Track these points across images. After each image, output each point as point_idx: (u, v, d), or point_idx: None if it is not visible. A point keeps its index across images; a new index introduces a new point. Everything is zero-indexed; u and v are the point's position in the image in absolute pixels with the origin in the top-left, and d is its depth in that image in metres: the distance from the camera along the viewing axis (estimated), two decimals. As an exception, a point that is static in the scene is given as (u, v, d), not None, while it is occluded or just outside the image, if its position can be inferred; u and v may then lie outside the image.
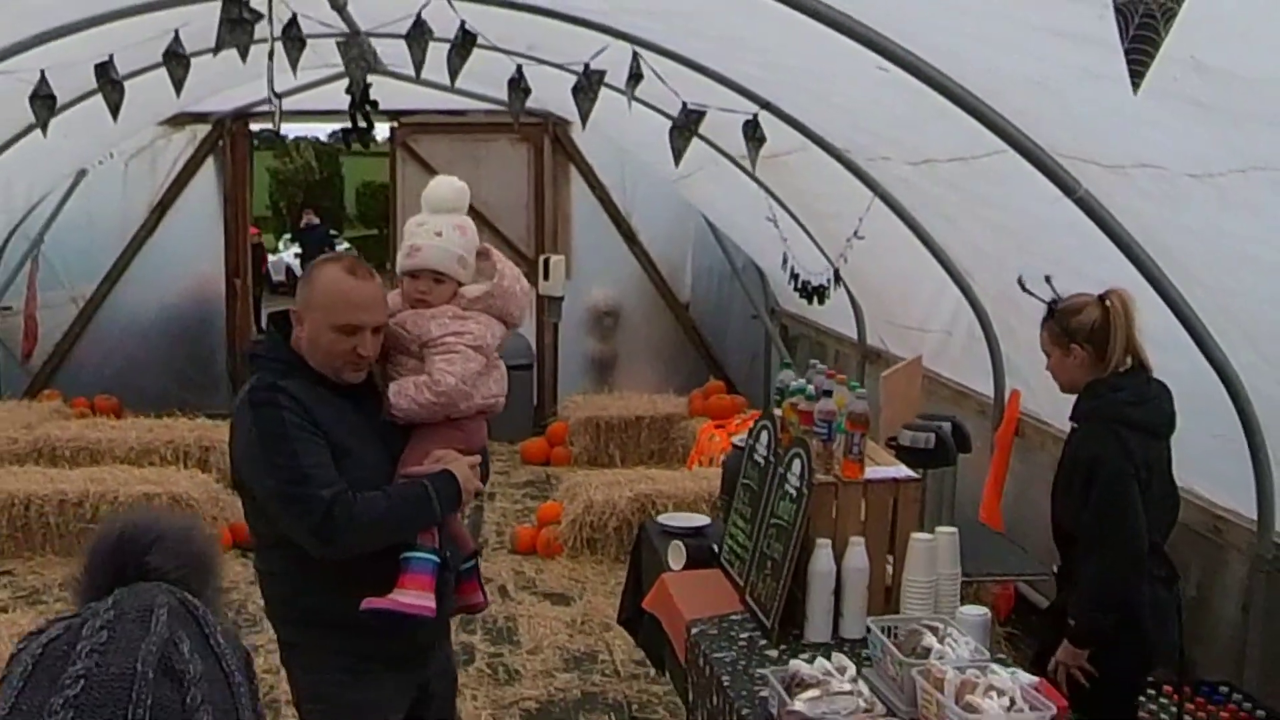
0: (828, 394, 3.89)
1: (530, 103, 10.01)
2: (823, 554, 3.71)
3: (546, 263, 9.76)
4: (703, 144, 7.88)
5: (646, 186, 10.27)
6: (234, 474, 3.04)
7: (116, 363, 10.16)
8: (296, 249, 21.67)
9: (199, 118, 9.80)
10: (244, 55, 5.39)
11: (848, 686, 3.10)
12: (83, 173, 9.67)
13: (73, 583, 1.44)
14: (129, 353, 10.18)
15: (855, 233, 6.49)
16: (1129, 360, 3.71)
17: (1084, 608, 3.66)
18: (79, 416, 9.20)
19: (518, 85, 5.96)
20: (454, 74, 5.78)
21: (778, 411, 4.21)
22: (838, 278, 6.90)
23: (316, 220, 21.18)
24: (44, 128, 5.78)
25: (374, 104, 7.81)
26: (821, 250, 7.74)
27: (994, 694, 2.86)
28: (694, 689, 3.77)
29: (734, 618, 3.91)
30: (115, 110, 5.78)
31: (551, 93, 9.27)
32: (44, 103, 5.74)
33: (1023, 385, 6.10)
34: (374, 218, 35.37)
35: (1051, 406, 5.63)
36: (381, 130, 9.90)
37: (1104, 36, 2.99)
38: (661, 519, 4.92)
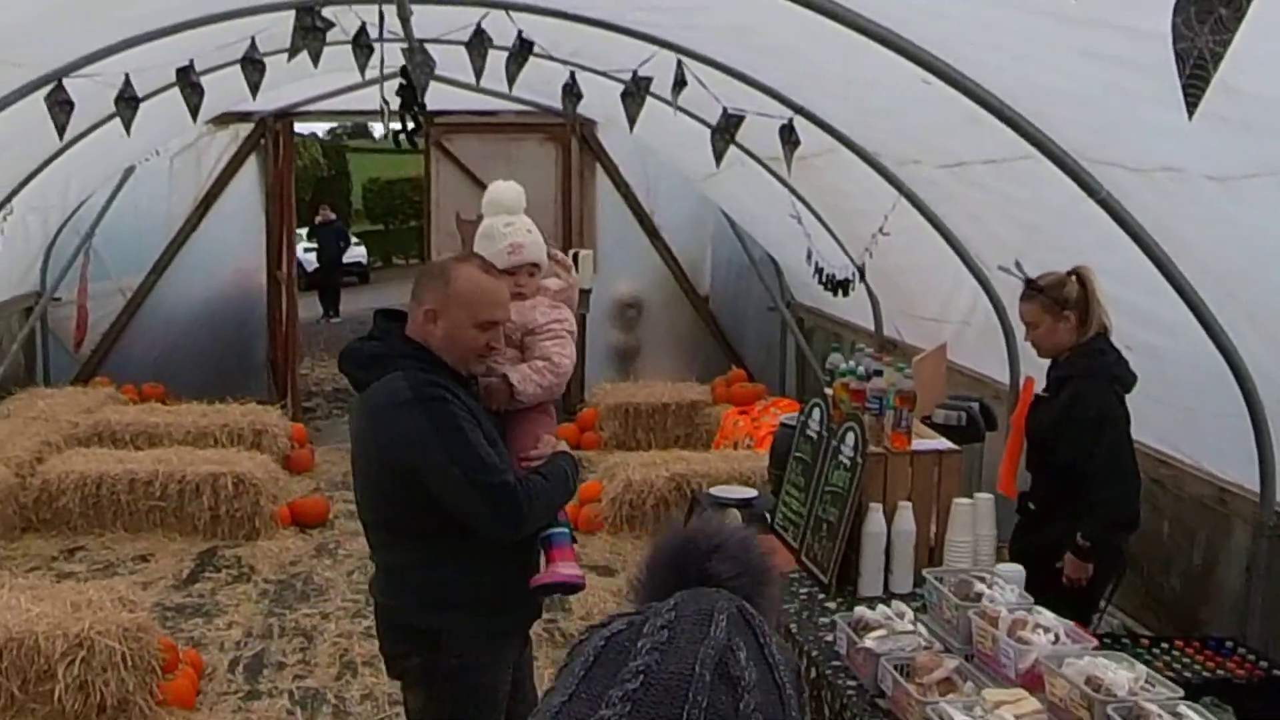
0: (878, 374, 4.28)
1: (557, 103, 10.44)
2: (875, 517, 4.11)
3: (575, 257, 10.05)
4: (731, 146, 8.28)
5: (669, 185, 10.64)
6: (385, 469, 3.04)
7: (160, 352, 10.50)
8: (307, 244, 21.94)
9: (242, 117, 10.14)
10: (315, 60, 5.77)
11: (910, 627, 3.51)
12: (130, 170, 10.02)
13: (634, 581, 1.46)
14: (172, 342, 10.53)
15: (881, 229, 6.89)
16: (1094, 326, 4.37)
17: (1105, 528, 4.26)
18: (129, 403, 9.54)
19: (571, 90, 6.34)
20: (511, 79, 6.16)
21: (829, 391, 4.60)
22: (863, 272, 7.27)
23: (332, 216, 21.53)
24: (128, 127, 6.13)
25: (422, 106, 8.20)
26: (842, 246, 8.13)
27: (1040, 630, 3.25)
28: (759, 637, 4.16)
29: (793, 576, 4.31)
30: (195, 111, 6.16)
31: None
32: (128, 104, 6.11)
33: (1036, 372, 6.50)
34: (380, 213, 35.63)
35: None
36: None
37: (1134, 58, 3.43)
38: (713, 490, 5.30)
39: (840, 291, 7.67)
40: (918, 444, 4.27)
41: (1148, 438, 5.08)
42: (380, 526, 3.18)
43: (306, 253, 26.85)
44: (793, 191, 8.17)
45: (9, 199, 7.94)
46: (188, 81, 5.97)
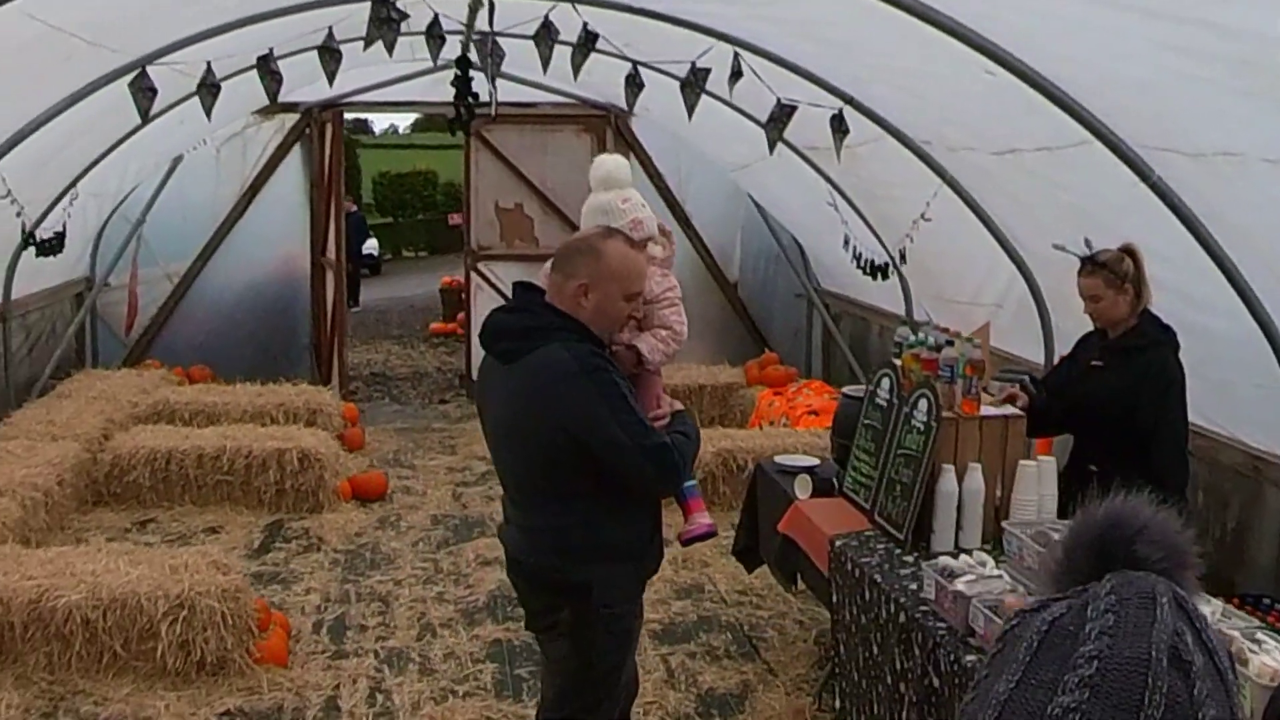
0: (949, 344, 4.52)
1: (594, 95, 10.69)
2: (948, 477, 4.34)
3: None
4: (763, 136, 8.49)
5: (700, 175, 10.86)
6: (550, 437, 3.14)
7: (206, 336, 10.71)
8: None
9: (288, 107, 10.35)
10: (390, 50, 5.97)
11: (997, 572, 3.74)
12: (179, 159, 10.21)
13: (1049, 564, 1.42)
14: (218, 326, 10.75)
15: (923, 215, 7.12)
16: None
17: (1171, 472, 4.52)
18: (182, 384, 9.74)
19: (633, 81, 6.54)
20: (576, 70, 6.36)
21: (897, 361, 4.83)
22: (903, 256, 7.50)
23: (354, 208, 21.72)
24: (208, 113, 6.31)
25: (475, 96, 8.41)
26: (875, 233, 8.35)
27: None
28: (839, 590, 4.39)
29: (867, 534, 4.54)
30: (274, 97, 6.36)
31: (616, 87, 9.81)
32: (209, 90, 6.29)
33: (1067, 347, 6.74)
34: (389, 207, 35.83)
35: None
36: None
37: (1202, 48, 3.66)
38: (778, 459, 5.54)
39: (880, 276, 7.91)
40: (985, 410, 4.50)
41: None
42: (533, 491, 3.32)
43: (369, 239, 27.14)
44: (829, 180, 8.40)
45: (75, 183, 8.14)
46: (267, 69, 6.17)
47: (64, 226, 8.22)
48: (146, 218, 10.34)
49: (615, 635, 3.37)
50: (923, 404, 4.46)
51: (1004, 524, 4.00)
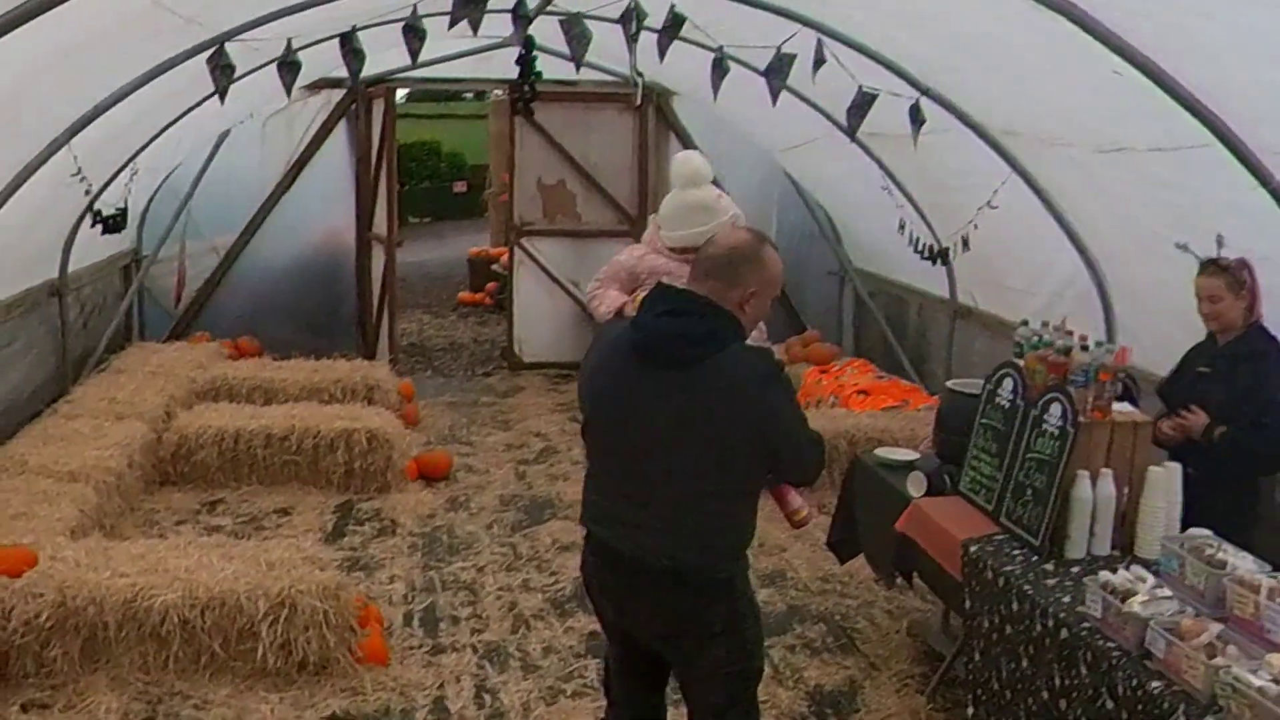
0: (1085, 349, 4.17)
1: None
2: (1083, 483, 4.02)
3: (656, 222, 9.97)
4: (817, 119, 8.11)
5: (738, 155, 10.45)
6: (741, 439, 3.03)
7: (252, 308, 10.28)
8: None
9: (335, 83, 9.88)
10: (475, 29, 5.57)
11: (1169, 593, 3.41)
12: (225, 133, 9.75)
13: None
14: (264, 299, 10.31)
15: (989, 203, 6.75)
16: None
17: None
18: (232, 358, 9.33)
19: (720, 65, 6.13)
20: (663, 52, 5.96)
21: (1019, 361, 4.47)
22: (965, 243, 7.15)
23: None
24: (288, 90, 5.88)
25: (539, 74, 8.00)
26: (925, 220, 7.98)
27: (1299, 596, 3.17)
28: (975, 597, 4.06)
29: (998, 537, 4.22)
30: (356, 75, 5.92)
31: (659, 67, 9.40)
32: (290, 68, 5.86)
33: (1131, 341, 6.43)
34: (406, 174, 35.57)
35: (1161, 359, 5.95)
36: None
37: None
38: (879, 453, 5.20)
39: (940, 260, 7.56)
40: (1117, 414, 4.17)
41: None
42: (700, 493, 3.08)
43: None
44: (882, 166, 8.03)
45: (135, 156, 7.69)
46: (350, 47, 5.75)
47: (126, 202, 7.76)
48: (194, 192, 9.87)
49: (756, 618, 3.32)
50: (1056, 408, 4.12)
51: (1163, 540, 3.69)
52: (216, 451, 7.06)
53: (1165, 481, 4.07)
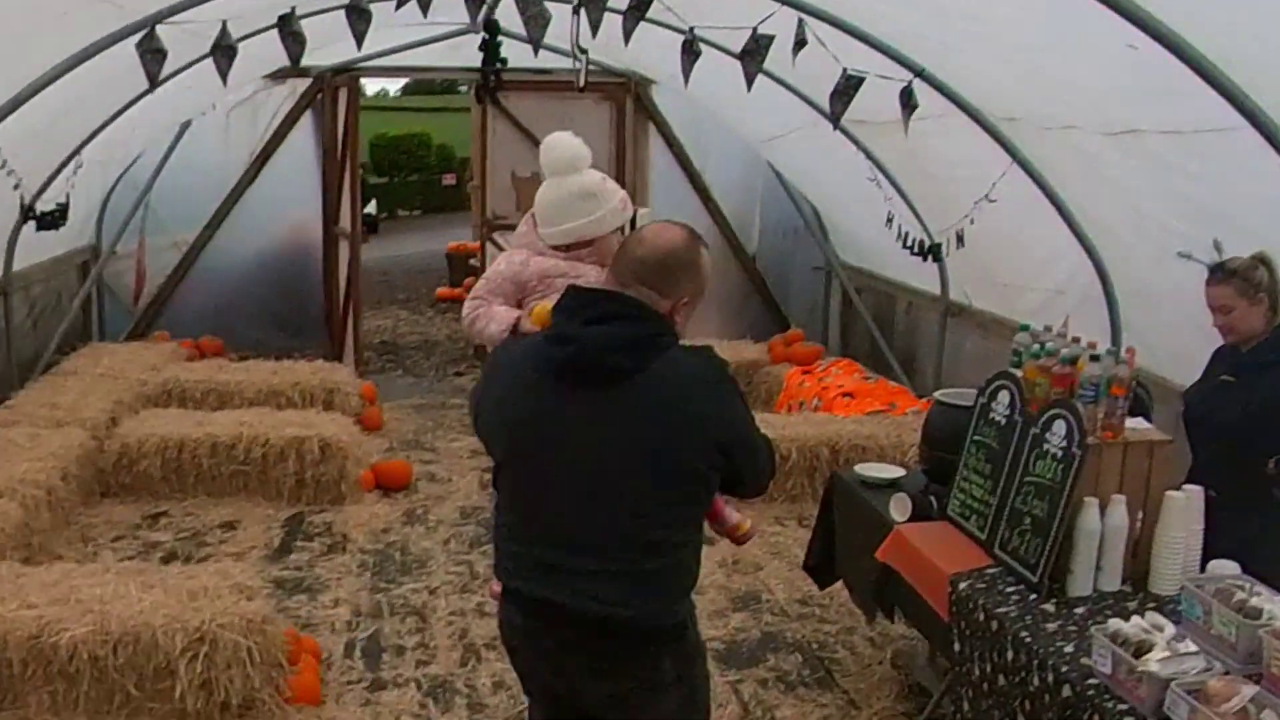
0: (1095, 359, 3.66)
1: (614, 63, 9.72)
2: (1090, 513, 3.53)
3: (634, 215, 9.44)
4: (800, 107, 7.60)
5: (720, 145, 9.97)
6: (696, 457, 2.55)
7: (216, 306, 9.79)
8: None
9: (299, 72, 9.36)
10: (424, 9, 5.14)
11: (1192, 646, 2.92)
12: (187, 124, 9.23)
13: None
14: (228, 297, 9.82)
15: (987, 196, 6.26)
16: None
17: None
18: (189, 359, 8.82)
19: (690, 48, 5.62)
20: (627, 35, 5.46)
21: (1016, 372, 3.97)
22: (960, 239, 6.65)
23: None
24: (224, 77, 5.40)
25: (504, 61, 7.48)
26: (916, 214, 7.48)
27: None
28: (964, 641, 3.57)
29: (990, 572, 3.72)
30: (296, 60, 5.44)
31: (635, 54, 8.90)
32: (225, 52, 5.36)
33: (1139, 344, 5.94)
34: (385, 168, 35.28)
35: (1171, 364, 5.49)
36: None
37: None
38: (858, 469, 4.70)
39: (931, 257, 7.05)
40: (1129, 433, 3.67)
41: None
42: (653, 526, 2.58)
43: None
44: (870, 156, 7.52)
45: (79, 150, 7.17)
46: (289, 30, 5.24)
47: (67, 198, 7.23)
48: (154, 185, 9.35)
49: (703, 655, 2.92)
50: (1059, 426, 3.62)
51: (1185, 582, 3.18)
52: (160, 461, 6.55)
53: (1185, 509, 3.57)
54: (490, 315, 4.29)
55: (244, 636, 4.19)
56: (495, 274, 4.43)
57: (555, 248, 4.34)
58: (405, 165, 35.29)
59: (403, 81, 42.10)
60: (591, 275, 4.08)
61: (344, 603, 5.31)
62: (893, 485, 4.56)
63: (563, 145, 4.42)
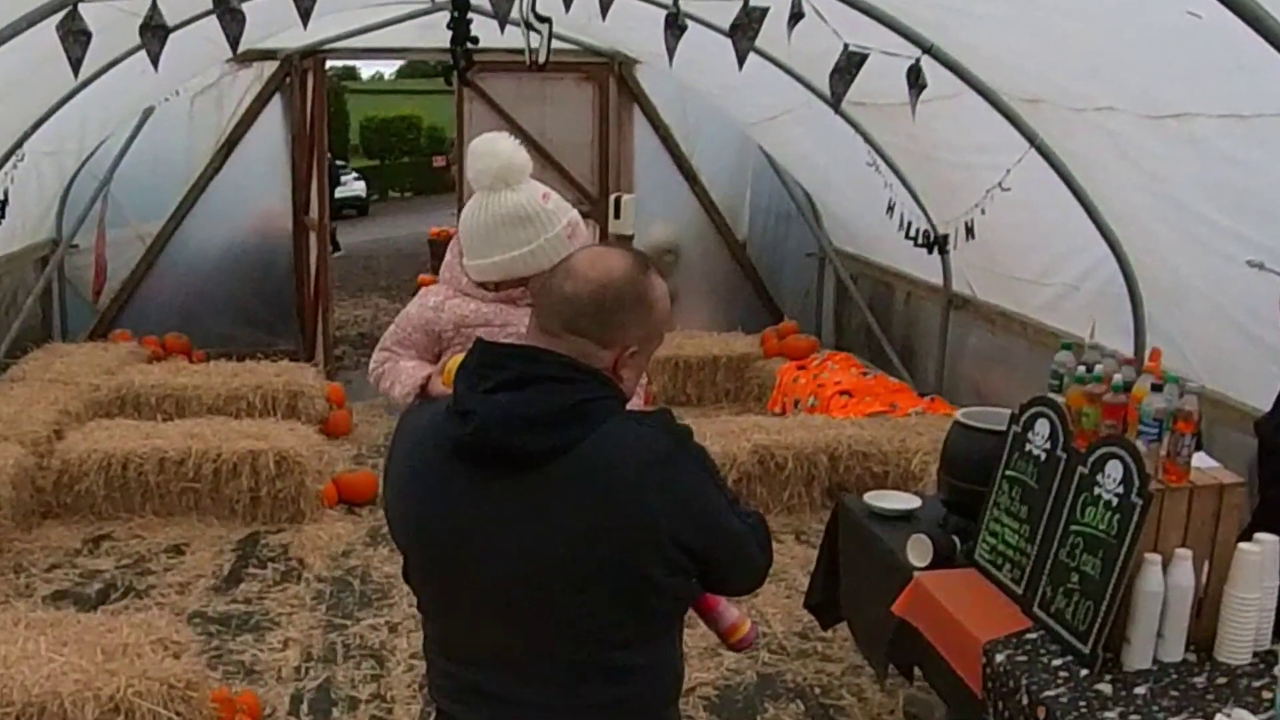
0: (1157, 388, 2.98)
1: (597, 42, 8.97)
2: (1153, 573, 2.88)
3: (618, 202, 8.75)
4: (793, 87, 6.88)
5: (709, 128, 9.22)
6: (656, 553, 1.84)
7: (182, 301, 9.05)
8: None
9: (266, 55, 8.62)
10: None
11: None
12: (149, 111, 8.47)
13: None
14: (196, 290, 9.06)
15: (1000, 184, 5.56)
16: None
17: None
18: (151, 358, 8.11)
19: (674, 22, 4.90)
20: (605, 8, 4.73)
21: (1057, 398, 3.29)
22: (969, 231, 5.94)
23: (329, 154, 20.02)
24: (155, 60, 4.64)
25: (475, 40, 6.72)
26: (919, 202, 6.78)
27: None
28: (1003, 724, 2.90)
29: (1030, 636, 3.05)
30: (235, 42, 4.66)
31: (618, 32, 8.16)
32: (155, 33, 4.61)
33: (1162, 342, 5.26)
34: (376, 150, 34.79)
35: (1199, 367, 4.84)
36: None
37: None
38: (868, 499, 4.02)
39: (938, 249, 6.34)
40: (1195, 474, 2.99)
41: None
42: (605, 645, 1.90)
43: (357, 181, 26.43)
44: (869, 140, 6.80)
45: (20, 144, 6.43)
46: (226, 8, 4.50)
47: (5, 194, 6.49)
48: (114, 175, 8.61)
49: None
50: (1114, 469, 2.94)
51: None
52: (104, 479, 5.85)
53: (1260, 564, 2.92)
54: (395, 374, 3.29)
55: (164, 706, 3.53)
56: (404, 320, 3.37)
57: (483, 285, 3.24)
58: (395, 148, 34.68)
59: (398, 64, 41.31)
60: (524, 325, 3.05)
61: (294, 644, 4.63)
62: (907, 518, 3.90)
63: (491, 152, 3.08)
